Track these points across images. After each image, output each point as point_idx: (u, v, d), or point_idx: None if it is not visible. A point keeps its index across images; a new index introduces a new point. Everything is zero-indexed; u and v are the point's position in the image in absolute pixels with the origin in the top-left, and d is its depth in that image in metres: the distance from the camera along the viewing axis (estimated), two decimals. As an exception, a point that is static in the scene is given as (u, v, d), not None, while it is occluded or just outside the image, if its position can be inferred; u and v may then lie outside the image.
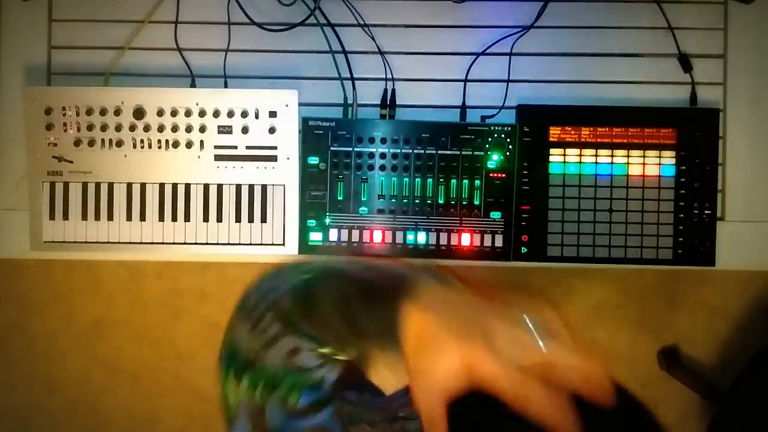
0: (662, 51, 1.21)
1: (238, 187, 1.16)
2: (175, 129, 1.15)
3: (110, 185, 1.16)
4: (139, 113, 1.15)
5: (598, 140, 1.18)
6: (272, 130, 1.15)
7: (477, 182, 1.16)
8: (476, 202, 1.16)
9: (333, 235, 1.16)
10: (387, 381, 0.69)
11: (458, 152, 1.16)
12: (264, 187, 1.16)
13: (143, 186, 1.16)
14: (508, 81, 1.20)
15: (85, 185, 1.16)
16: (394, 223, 1.16)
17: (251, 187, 1.16)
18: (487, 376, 0.49)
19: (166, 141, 1.16)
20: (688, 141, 1.17)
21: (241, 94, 1.15)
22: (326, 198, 1.16)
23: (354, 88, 1.19)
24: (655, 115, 1.18)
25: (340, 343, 0.69)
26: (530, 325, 0.53)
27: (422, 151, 1.16)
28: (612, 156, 1.18)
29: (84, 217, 1.16)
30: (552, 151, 1.18)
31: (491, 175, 1.16)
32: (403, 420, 0.64)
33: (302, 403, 0.66)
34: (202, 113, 1.15)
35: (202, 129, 1.15)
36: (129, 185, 1.16)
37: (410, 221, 1.16)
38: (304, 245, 1.16)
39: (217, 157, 1.16)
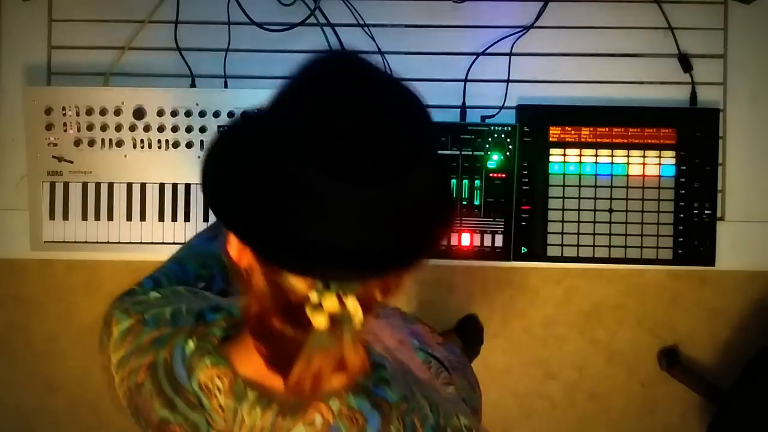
0: (662, 51, 1.21)
1: (238, 187, 1.16)
2: (175, 129, 1.15)
3: (110, 185, 1.16)
4: (139, 113, 1.15)
5: (598, 140, 1.17)
6: (272, 130, 1.15)
7: (477, 182, 1.16)
8: (476, 202, 1.16)
9: (333, 235, 1.16)
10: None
11: (458, 152, 1.16)
12: (264, 187, 1.16)
13: (143, 186, 1.16)
14: (508, 81, 1.20)
15: (85, 185, 1.16)
16: (394, 223, 1.16)
17: (251, 187, 1.16)
18: None
19: (166, 141, 1.16)
20: (688, 141, 1.17)
21: (241, 94, 1.15)
22: (326, 198, 1.16)
23: (354, 88, 1.19)
24: (655, 115, 1.18)
25: None
26: None
27: (422, 151, 1.15)
28: (612, 156, 1.17)
29: (84, 217, 1.16)
30: (552, 151, 1.17)
31: (491, 175, 1.16)
32: None
33: None
34: (202, 113, 1.15)
35: (203, 129, 1.15)
36: (129, 185, 1.16)
37: (410, 221, 1.16)
38: (304, 245, 1.16)
39: (217, 157, 1.16)
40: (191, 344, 0.61)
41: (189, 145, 1.15)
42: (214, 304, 0.67)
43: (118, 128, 1.15)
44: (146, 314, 0.67)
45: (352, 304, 0.51)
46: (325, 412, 0.58)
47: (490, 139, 1.16)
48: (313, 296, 0.51)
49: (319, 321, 0.50)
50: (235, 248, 0.55)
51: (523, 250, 1.17)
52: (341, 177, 0.47)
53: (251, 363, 0.60)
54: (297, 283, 0.52)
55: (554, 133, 1.18)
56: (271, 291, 0.54)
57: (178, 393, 0.61)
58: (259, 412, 0.59)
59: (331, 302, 0.50)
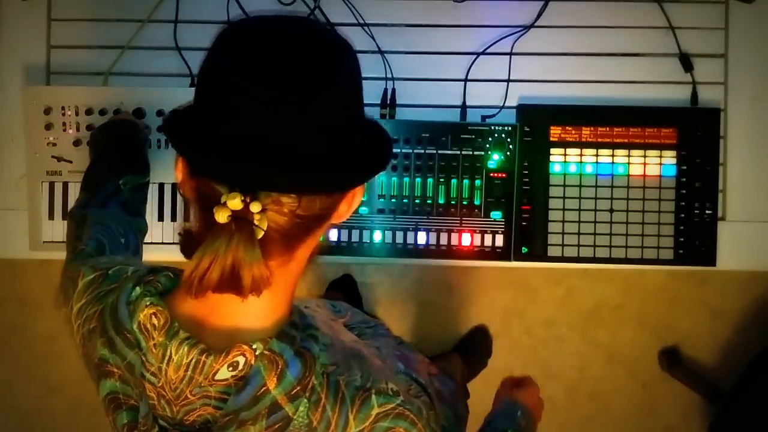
0: (663, 50, 1.21)
1: (238, 186, 1.16)
2: (174, 129, 1.15)
3: (109, 185, 1.16)
4: (138, 113, 1.15)
5: (599, 140, 1.17)
6: (272, 130, 1.15)
7: (477, 182, 1.16)
8: (476, 202, 1.16)
9: (332, 235, 1.16)
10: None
11: (458, 152, 1.15)
12: (264, 187, 1.16)
13: (143, 186, 1.16)
14: (508, 81, 1.20)
15: (84, 185, 1.16)
16: (394, 222, 1.16)
17: (251, 186, 1.16)
18: None
19: (166, 141, 1.15)
20: (689, 141, 1.17)
21: (240, 94, 1.15)
22: (326, 198, 1.15)
23: (354, 87, 1.19)
24: (656, 115, 1.17)
25: None
26: None
27: (422, 151, 1.15)
28: (613, 156, 1.17)
29: (83, 217, 1.16)
30: (553, 150, 1.17)
31: (492, 174, 1.16)
32: None
33: None
34: (201, 113, 1.15)
35: (202, 129, 1.15)
36: (128, 185, 1.16)
37: (410, 221, 1.16)
38: (303, 245, 1.16)
39: (217, 157, 1.15)
40: (138, 290, 0.65)
41: (188, 144, 1.15)
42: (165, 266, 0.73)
43: (118, 128, 1.15)
44: (110, 270, 0.72)
45: (256, 208, 0.56)
46: (248, 353, 0.61)
47: (490, 139, 1.15)
48: (223, 197, 0.56)
49: (220, 216, 0.55)
50: (178, 169, 0.62)
51: (524, 250, 1.17)
52: (253, 81, 0.55)
53: (188, 306, 0.64)
54: (219, 190, 0.57)
55: (555, 132, 1.17)
56: (198, 203, 0.60)
57: (119, 332, 0.65)
58: (186, 350, 0.61)
59: (234, 202, 0.55)
